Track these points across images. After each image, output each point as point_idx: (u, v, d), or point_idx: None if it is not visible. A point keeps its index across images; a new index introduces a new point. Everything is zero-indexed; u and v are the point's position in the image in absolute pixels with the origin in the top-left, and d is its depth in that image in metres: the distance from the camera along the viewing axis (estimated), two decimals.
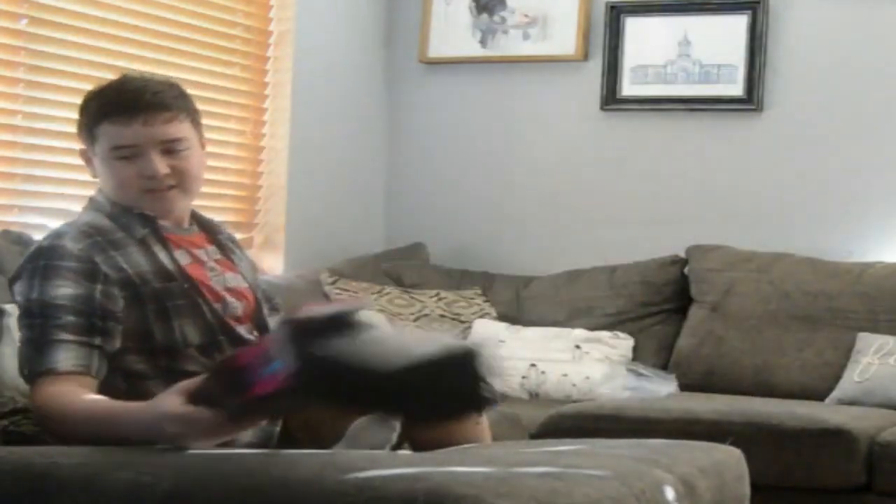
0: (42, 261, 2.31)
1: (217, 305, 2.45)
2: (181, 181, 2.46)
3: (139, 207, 2.44)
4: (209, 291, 2.46)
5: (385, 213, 5.04)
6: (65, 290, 2.26)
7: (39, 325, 2.24)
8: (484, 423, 2.74)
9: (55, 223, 3.68)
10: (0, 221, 3.57)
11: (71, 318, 2.25)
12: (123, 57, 3.96)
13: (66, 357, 2.21)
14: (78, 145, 2.50)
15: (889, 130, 4.41)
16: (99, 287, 2.30)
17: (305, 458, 2.05)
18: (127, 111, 2.40)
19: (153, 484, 1.89)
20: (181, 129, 2.48)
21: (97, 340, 2.26)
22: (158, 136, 2.43)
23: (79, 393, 2.19)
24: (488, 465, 1.97)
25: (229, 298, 2.50)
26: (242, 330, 2.48)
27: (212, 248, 2.56)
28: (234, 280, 2.54)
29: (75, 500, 1.94)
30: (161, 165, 2.42)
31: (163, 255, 2.42)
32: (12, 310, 3.00)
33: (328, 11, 4.73)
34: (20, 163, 3.71)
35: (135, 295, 2.35)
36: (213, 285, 2.48)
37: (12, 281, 2.36)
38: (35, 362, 2.22)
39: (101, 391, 2.27)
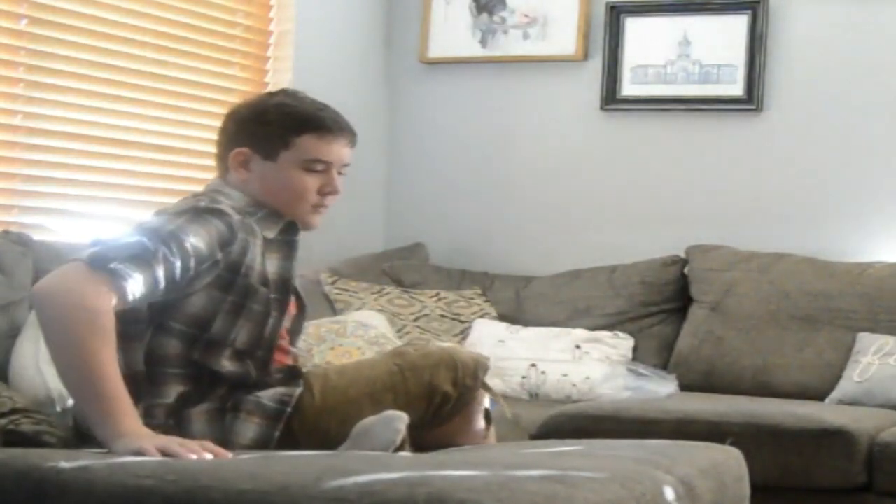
0: (196, 210, 2.43)
1: (284, 319, 2.57)
2: (334, 201, 2.68)
3: (294, 216, 2.61)
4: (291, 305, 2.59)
5: (385, 213, 5.03)
6: (197, 239, 2.37)
7: (155, 245, 2.31)
8: (492, 435, 2.75)
9: (55, 223, 3.72)
10: (0, 221, 3.57)
11: (177, 263, 2.33)
12: (123, 57, 3.96)
13: (141, 284, 2.28)
14: (226, 149, 2.63)
15: (889, 130, 4.40)
16: (219, 256, 2.41)
17: (306, 462, 2.05)
18: (334, 130, 2.63)
19: (155, 487, 1.90)
20: (352, 156, 2.69)
21: (163, 289, 2.32)
22: (345, 159, 2.67)
23: (111, 320, 2.23)
24: (487, 468, 1.97)
25: (291, 310, 2.64)
26: (283, 343, 2.60)
27: None
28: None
29: (77, 503, 1.94)
30: (340, 184, 2.65)
31: (271, 261, 2.54)
32: None
33: (328, 11, 4.73)
34: (20, 163, 3.71)
35: (230, 281, 2.44)
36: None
37: (158, 213, 2.45)
38: (121, 260, 2.25)
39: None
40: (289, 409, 2.48)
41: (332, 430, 2.49)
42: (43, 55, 3.72)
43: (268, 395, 2.48)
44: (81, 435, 2.41)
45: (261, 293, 2.49)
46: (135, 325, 2.40)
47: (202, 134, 4.17)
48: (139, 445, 2.11)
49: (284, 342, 2.61)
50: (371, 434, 2.40)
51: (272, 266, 2.53)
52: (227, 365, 2.45)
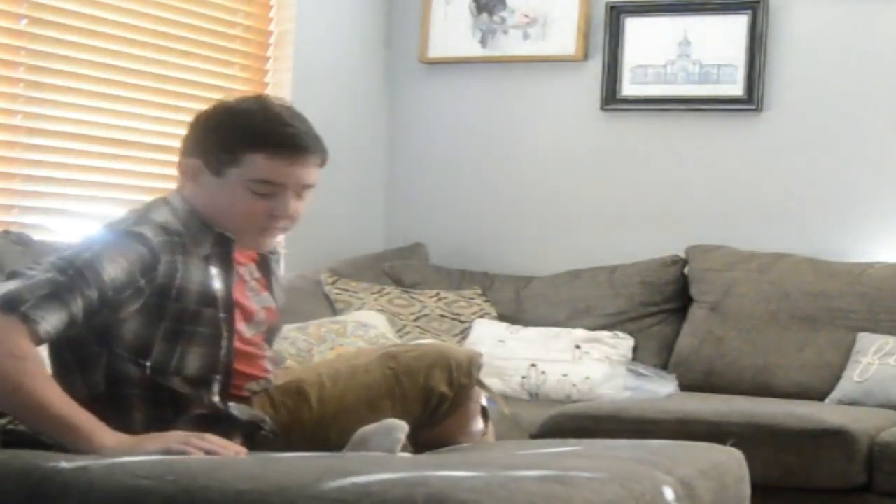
0: (115, 234, 2.32)
1: (242, 325, 2.46)
2: (291, 225, 2.48)
3: (235, 233, 2.42)
4: (243, 311, 2.47)
5: (385, 213, 5.03)
6: (113, 267, 2.26)
7: (69, 279, 2.22)
8: (490, 432, 2.74)
9: (55, 223, 3.72)
10: (0, 221, 3.57)
11: (94, 295, 2.23)
12: (123, 57, 3.96)
13: (55, 322, 2.20)
14: (183, 157, 2.46)
15: (889, 130, 4.40)
16: (141, 282, 2.29)
17: (305, 463, 2.05)
18: (290, 152, 2.39)
19: (154, 487, 1.89)
20: (318, 175, 2.49)
21: (83, 320, 2.24)
22: (303, 181, 2.43)
23: (38, 359, 2.20)
24: (487, 469, 1.97)
25: (260, 316, 2.54)
26: (254, 350, 2.50)
27: (253, 266, 2.57)
28: (267, 300, 2.57)
29: (76, 503, 1.94)
30: (293, 208, 2.43)
31: (216, 279, 2.40)
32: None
33: (328, 11, 4.73)
34: (20, 163, 3.71)
35: (159, 306, 2.33)
36: (249, 304, 2.50)
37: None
38: (33, 301, 2.18)
39: (76, 386, 2.31)
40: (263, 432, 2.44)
41: (332, 439, 2.45)
42: (43, 55, 3.72)
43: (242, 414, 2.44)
44: None
45: (205, 315, 2.37)
46: (87, 349, 2.34)
47: None
48: (162, 447, 2.12)
49: (254, 349, 2.52)
50: (371, 443, 2.38)
51: (218, 283, 2.39)
52: (181, 389, 2.36)
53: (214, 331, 2.39)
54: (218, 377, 2.40)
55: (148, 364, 2.34)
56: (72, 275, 2.22)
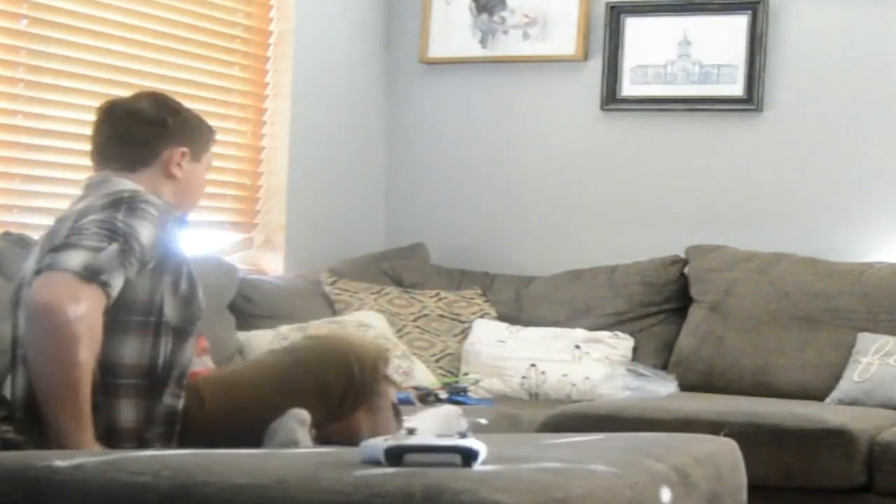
0: (127, 202, 2.51)
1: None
2: None
3: (186, 212, 2.74)
4: None
5: (385, 213, 5.04)
6: (145, 230, 2.48)
7: (122, 244, 2.43)
8: (384, 411, 2.70)
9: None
10: (0, 222, 3.57)
11: (137, 256, 2.46)
12: (123, 57, 3.96)
13: (119, 285, 2.42)
14: (179, 148, 2.71)
15: (889, 130, 4.41)
16: (159, 235, 2.51)
17: (302, 457, 2.05)
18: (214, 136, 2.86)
19: (151, 484, 1.89)
20: None
21: (132, 275, 2.47)
22: None
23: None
24: (484, 461, 1.97)
25: None
26: None
27: None
28: None
29: (73, 501, 1.94)
30: None
31: None
32: None
33: (328, 11, 4.73)
34: (20, 163, 3.71)
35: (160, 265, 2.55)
36: None
37: (82, 215, 2.50)
38: (109, 270, 2.39)
39: None
40: None
41: (221, 437, 2.46)
42: (43, 55, 3.72)
43: None
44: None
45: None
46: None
47: None
48: None
49: None
50: (272, 434, 2.45)
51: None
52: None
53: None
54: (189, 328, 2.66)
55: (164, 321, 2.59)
56: (122, 241, 2.42)
